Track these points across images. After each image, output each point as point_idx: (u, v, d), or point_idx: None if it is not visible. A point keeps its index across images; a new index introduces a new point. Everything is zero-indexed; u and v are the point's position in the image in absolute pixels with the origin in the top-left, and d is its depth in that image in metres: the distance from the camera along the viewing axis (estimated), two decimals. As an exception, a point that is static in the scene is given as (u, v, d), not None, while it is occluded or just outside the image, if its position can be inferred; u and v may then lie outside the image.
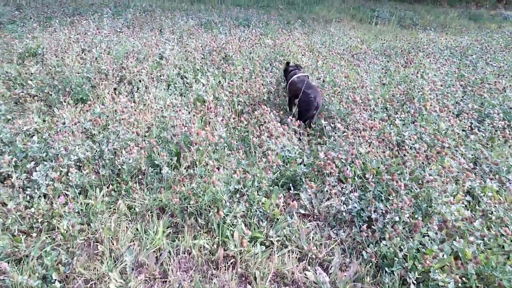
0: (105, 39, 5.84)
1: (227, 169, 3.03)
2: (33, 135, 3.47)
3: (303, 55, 5.65)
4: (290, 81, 4.20)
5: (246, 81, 4.90)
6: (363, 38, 8.61)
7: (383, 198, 2.80)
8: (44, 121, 3.86)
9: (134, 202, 2.80)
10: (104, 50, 5.42)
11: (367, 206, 2.75)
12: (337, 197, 2.82)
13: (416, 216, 2.59)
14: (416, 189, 2.78)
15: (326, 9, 12.96)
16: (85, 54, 5.06)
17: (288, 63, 4.76)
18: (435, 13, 13.87)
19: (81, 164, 3.10)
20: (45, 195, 2.77)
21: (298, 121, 3.72)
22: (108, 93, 4.25)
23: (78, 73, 4.58)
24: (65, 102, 4.01)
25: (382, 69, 5.60)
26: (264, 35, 8.08)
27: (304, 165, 3.22)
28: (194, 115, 3.90)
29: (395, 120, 3.84)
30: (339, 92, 4.48)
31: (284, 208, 2.85)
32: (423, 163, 2.96)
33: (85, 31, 6.18)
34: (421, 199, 2.76)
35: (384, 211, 2.59)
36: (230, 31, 8.00)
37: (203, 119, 3.99)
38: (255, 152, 3.26)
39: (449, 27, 11.51)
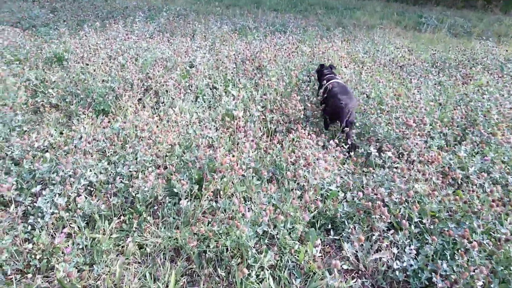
0: (134, 45, 5.62)
1: (255, 203, 2.62)
2: (47, 151, 3.22)
3: (346, 67, 5.14)
4: (328, 85, 3.96)
5: (281, 95, 4.47)
6: (410, 47, 7.95)
7: (447, 256, 2.26)
8: (61, 133, 3.62)
9: (146, 240, 2.43)
10: (132, 57, 5.18)
11: (427, 264, 2.23)
12: (388, 249, 2.32)
13: (492, 286, 2.05)
14: (490, 246, 2.23)
15: (368, 14, 12.31)
16: (111, 62, 4.83)
17: (322, 65, 4.58)
18: (488, 20, 12.83)
19: (92, 189, 2.79)
20: (48, 225, 2.46)
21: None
22: (131, 105, 3.97)
23: (102, 81, 4.34)
24: (84, 114, 3.76)
25: (435, 84, 4.99)
26: (302, 42, 7.64)
27: (347, 201, 2.74)
28: (221, 133, 3.52)
29: (457, 149, 3.28)
30: (387, 111, 3.95)
31: (321, 258, 2.39)
32: (500, 213, 2.39)
33: (115, 36, 6.00)
34: (496, 260, 2.21)
35: (450, 277, 2.06)
36: (265, 38, 7.61)
37: (231, 138, 3.60)
38: (288, 183, 2.81)
39: (505, 36, 10.53)
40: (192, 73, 4.97)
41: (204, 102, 4.50)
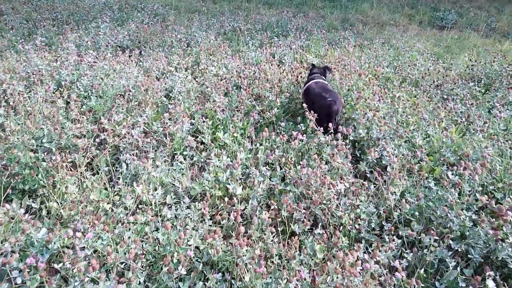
0: (89, 70, 4.26)
1: None
2: None
3: (380, 99, 3.84)
4: (306, 87, 3.90)
5: (294, 149, 3.20)
6: (436, 52, 6.71)
7: None
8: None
9: None
10: (85, 90, 3.85)
11: None
12: None
13: None
14: None
15: (376, 8, 11.01)
16: (49, 105, 3.50)
17: (314, 65, 4.37)
18: (510, 11, 11.61)
19: None
20: None
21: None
22: (72, 183, 2.66)
23: (32, 140, 3.02)
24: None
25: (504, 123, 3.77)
26: (307, 49, 6.36)
27: None
28: (212, 232, 2.24)
29: None
30: (459, 189, 2.69)
31: None
32: None
33: (65, 57, 4.60)
34: None
35: None
36: (262, 46, 6.30)
37: (227, 242, 2.34)
38: None
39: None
40: (169, 108, 3.68)
41: (185, 160, 3.22)
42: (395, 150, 3.17)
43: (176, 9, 9.32)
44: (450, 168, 3.12)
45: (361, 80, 4.27)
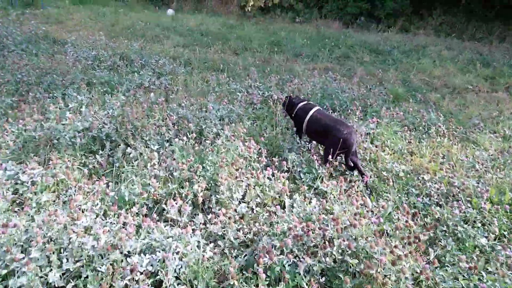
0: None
1: None
2: None
3: None
4: (310, 116, 3.87)
5: None
6: None
7: None
8: None
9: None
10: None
11: None
12: None
13: None
14: None
15: (438, 63, 8.97)
16: None
17: (291, 97, 4.32)
18: None
19: None
20: None
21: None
22: None
23: None
24: None
25: None
26: (377, 139, 4.27)
27: None
28: None
29: None
30: None
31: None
32: None
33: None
34: None
35: None
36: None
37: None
38: None
39: None
40: None
41: None
42: None
43: (188, 65, 7.42)
44: None
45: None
